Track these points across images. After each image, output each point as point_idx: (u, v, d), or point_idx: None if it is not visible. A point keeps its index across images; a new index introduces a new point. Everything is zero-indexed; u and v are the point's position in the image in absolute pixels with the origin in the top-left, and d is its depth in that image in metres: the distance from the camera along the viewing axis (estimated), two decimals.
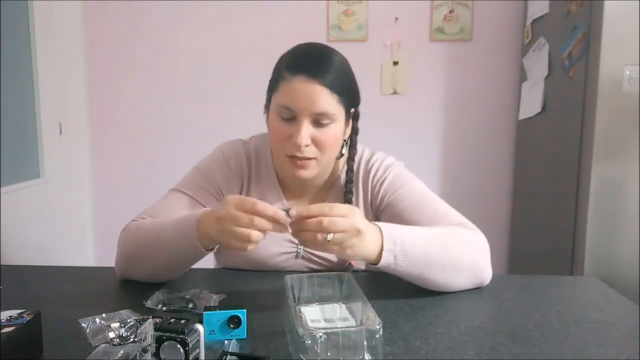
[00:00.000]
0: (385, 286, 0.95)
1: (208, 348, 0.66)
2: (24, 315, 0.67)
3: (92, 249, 2.55)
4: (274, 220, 0.77)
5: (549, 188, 2.03)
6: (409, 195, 1.01)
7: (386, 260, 0.83)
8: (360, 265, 1.06)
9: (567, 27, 1.85)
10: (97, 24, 2.44)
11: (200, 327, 0.62)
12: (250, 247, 0.78)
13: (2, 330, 0.62)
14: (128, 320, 0.73)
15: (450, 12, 2.37)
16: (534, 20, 2.16)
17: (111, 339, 0.69)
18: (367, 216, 1.05)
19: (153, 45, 2.44)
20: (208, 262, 1.14)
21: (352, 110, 1.01)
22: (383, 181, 1.04)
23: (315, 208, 0.77)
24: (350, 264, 1.03)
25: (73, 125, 2.39)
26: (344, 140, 1.03)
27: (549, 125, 2.04)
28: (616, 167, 1.68)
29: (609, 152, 1.68)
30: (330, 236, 0.76)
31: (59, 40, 2.26)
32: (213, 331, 0.72)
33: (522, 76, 2.29)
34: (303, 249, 1.04)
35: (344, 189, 1.05)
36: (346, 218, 0.78)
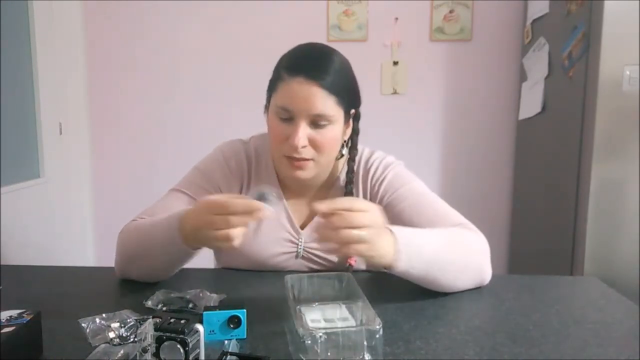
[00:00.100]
0: (385, 286, 0.95)
1: (208, 348, 0.66)
2: (24, 315, 0.67)
3: (92, 249, 2.55)
4: (249, 212, 0.75)
5: (549, 188, 2.03)
6: (409, 195, 1.01)
7: (403, 262, 0.81)
8: (360, 265, 1.06)
9: (567, 27, 1.85)
10: (97, 24, 2.44)
11: (200, 327, 0.62)
12: (236, 243, 0.77)
13: (2, 330, 0.62)
14: (128, 320, 0.73)
15: (450, 12, 2.37)
16: (534, 20, 2.16)
17: (111, 339, 0.69)
18: None
19: (153, 45, 2.44)
20: (208, 262, 1.14)
21: (353, 111, 1.01)
22: (382, 180, 1.04)
23: (337, 203, 0.74)
24: (350, 264, 1.03)
25: (73, 125, 2.39)
26: (344, 141, 1.03)
27: (549, 125, 2.04)
28: (616, 167, 1.68)
29: (609, 152, 1.68)
30: (361, 232, 0.72)
31: (59, 40, 2.26)
32: (213, 331, 0.72)
33: (522, 76, 2.29)
34: (303, 249, 1.04)
35: (344, 190, 1.05)
36: (369, 213, 0.75)
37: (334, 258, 1.04)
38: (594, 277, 1.05)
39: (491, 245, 0.94)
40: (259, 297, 0.90)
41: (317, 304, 0.78)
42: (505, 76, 2.41)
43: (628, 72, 1.63)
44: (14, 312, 0.68)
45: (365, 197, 1.06)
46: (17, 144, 1.98)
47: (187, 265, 1.04)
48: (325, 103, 0.91)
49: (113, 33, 2.45)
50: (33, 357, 0.66)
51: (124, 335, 0.70)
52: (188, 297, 0.85)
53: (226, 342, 0.70)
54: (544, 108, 2.06)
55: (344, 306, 0.77)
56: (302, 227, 1.05)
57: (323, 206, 0.74)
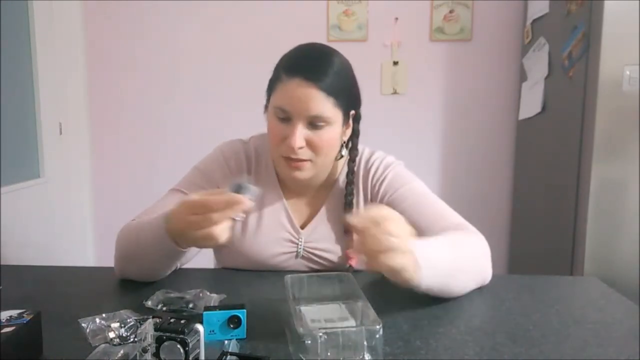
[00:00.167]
0: (385, 286, 0.95)
1: (208, 348, 0.66)
2: (24, 315, 0.67)
3: (92, 249, 2.55)
4: (231, 206, 0.74)
5: (549, 188, 2.03)
6: (409, 195, 1.01)
7: (424, 277, 0.76)
8: (360, 265, 1.06)
9: (567, 27, 1.85)
10: (97, 24, 2.44)
11: (200, 327, 0.62)
12: (222, 240, 0.76)
13: (2, 330, 0.62)
14: (128, 320, 0.73)
15: (450, 12, 2.37)
16: (534, 20, 2.16)
17: (111, 339, 0.69)
18: None
19: (153, 45, 2.44)
20: (208, 262, 1.14)
21: (352, 112, 1.01)
22: (383, 180, 1.04)
23: (370, 214, 0.71)
24: (350, 264, 1.03)
25: (73, 125, 2.39)
26: (343, 142, 1.03)
27: (549, 125, 2.04)
28: (616, 167, 1.68)
29: (609, 152, 1.68)
30: (399, 240, 0.69)
31: (59, 40, 2.26)
32: (213, 331, 0.72)
33: (522, 76, 2.29)
34: (303, 249, 1.04)
35: (344, 190, 1.05)
36: (400, 222, 0.72)
37: (334, 258, 1.04)
38: (594, 277, 1.05)
39: (491, 245, 0.94)
40: (259, 297, 0.90)
41: (317, 304, 0.78)
42: (505, 76, 2.41)
43: (628, 72, 1.63)
44: (14, 312, 0.68)
45: (365, 197, 1.06)
46: (17, 144, 1.98)
47: (187, 265, 1.04)
48: (323, 105, 0.91)
49: (113, 33, 2.45)
50: (33, 357, 0.66)
51: (124, 335, 0.70)
52: (188, 297, 0.84)
53: (226, 342, 0.70)
54: (544, 108, 2.06)
55: (344, 306, 0.77)
56: (302, 227, 1.05)
57: (357, 220, 0.71)
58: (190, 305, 0.83)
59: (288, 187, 1.07)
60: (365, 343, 0.64)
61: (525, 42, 2.26)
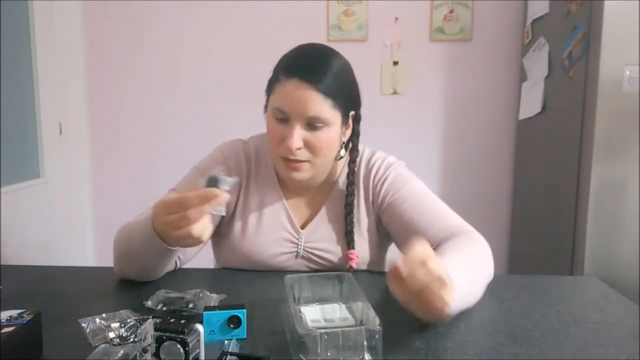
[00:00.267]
0: (385, 286, 0.95)
1: (208, 348, 0.66)
2: (24, 315, 0.67)
3: (92, 249, 2.55)
4: (206, 201, 0.73)
5: (549, 188, 2.03)
6: (410, 195, 1.01)
7: (456, 307, 0.74)
8: (360, 265, 1.06)
9: (567, 27, 1.85)
10: (97, 24, 2.44)
11: (200, 327, 0.62)
12: (204, 237, 0.75)
13: (2, 330, 0.62)
14: (128, 320, 0.73)
15: (450, 12, 2.37)
16: (534, 20, 2.16)
17: (111, 339, 0.69)
18: (368, 215, 1.06)
19: (153, 46, 2.44)
20: (208, 262, 1.14)
21: (352, 113, 1.01)
22: (384, 180, 1.04)
23: (413, 256, 0.67)
24: (350, 265, 1.03)
25: (73, 125, 2.39)
26: (343, 142, 1.03)
27: (549, 125, 2.04)
28: (616, 167, 1.68)
29: (609, 152, 1.68)
30: (442, 275, 0.66)
31: (59, 40, 2.26)
32: (213, 331, 0.72)
33: (522, 76, 2.29)
34: (303, 249, 1.04)
35: (344, 191, 1.05)
36: (434, 258, 0.68)
37: (334, 258, 1.04)
38: (594, 277, 1.05)
39: (491, 245, 0.94)
40: (259, 297, 0.90)
41: (317, 304, 0.78)
42: (505, 76, 2.41)
43: (628, 72, 1.63)
44: (14, 312, 0.68)
45: (366, 196, 1.06)
46: (17, 144, 1.98)
47: (187, 265, 1.04)
48: (321, 106, 0.91)
49: (113, 33, 2.45)
50: (33, 357, 0.66)
51: (124, 335, 0.70)
52: (188, 297, 0.84)
53: (226, 342, 0.70)
54: (544, 108, 2.06)
55: (344, 306, 0.77)
56: (303, 227, 1.05)
57: (405, 268, 0.67)
58: (190, 305, 0.82)
59: (288, 187, 1.07)
60: (365, 343, 0.64)
61: (525, 42, 2.26)
